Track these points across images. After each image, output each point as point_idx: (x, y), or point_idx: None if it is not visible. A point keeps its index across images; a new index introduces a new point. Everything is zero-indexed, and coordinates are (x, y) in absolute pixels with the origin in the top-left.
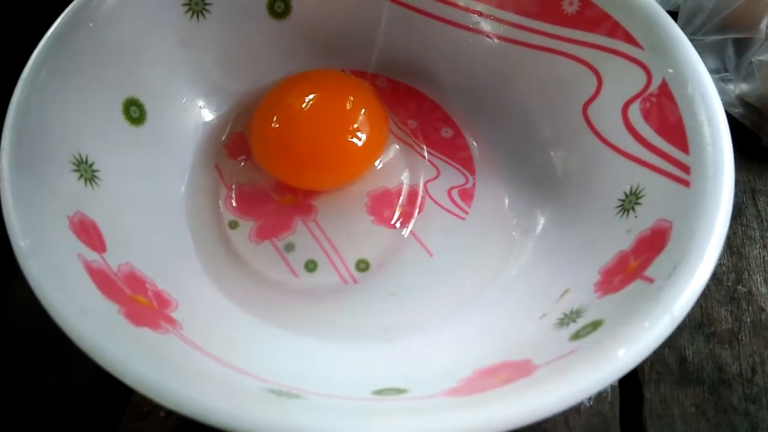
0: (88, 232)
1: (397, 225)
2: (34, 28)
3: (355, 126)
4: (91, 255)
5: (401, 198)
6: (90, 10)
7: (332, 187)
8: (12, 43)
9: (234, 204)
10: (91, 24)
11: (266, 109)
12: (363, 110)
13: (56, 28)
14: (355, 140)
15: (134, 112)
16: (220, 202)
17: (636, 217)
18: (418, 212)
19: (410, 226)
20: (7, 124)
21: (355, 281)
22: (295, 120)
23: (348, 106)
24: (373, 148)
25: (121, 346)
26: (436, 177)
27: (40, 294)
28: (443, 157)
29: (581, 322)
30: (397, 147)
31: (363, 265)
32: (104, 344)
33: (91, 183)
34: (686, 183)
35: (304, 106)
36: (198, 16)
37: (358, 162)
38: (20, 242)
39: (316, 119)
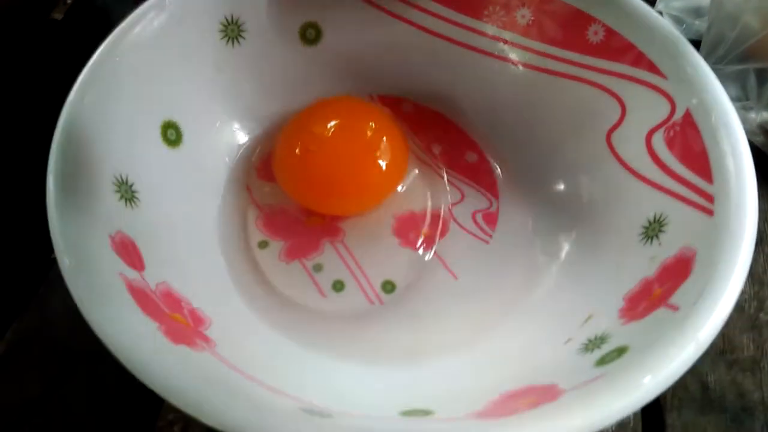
0: (128, 251)
1: (423, 247)
2: (79, 55)
3: (375, 153)
4: (132, 274)
5: (426, 221)
6: (132, 36)
7: (353, 212)
8: (58, 69)
9: (264, 224)
10: (132, 50)
11: (287, 138)
12: (383, 137)
13: (100, 53)
14: (374, 167)
15: (171, 134)
16: (251, 222)
17: (660, 244)
18: (443, 235)
19: (435, 248)
20: (54, 146)
21: (381, 302)
22: (314, 149)
23: (366, 134)
24: (393, 175)
25: (164, 364)
26: (460, 200)
27: (84, 311)
28: (468, 181)
29: (606, 348)
30: (420, 172)
31: (389, 287)
32: (149, 362)
33: (130, 203)
34: (710, 212)
35: (323, 134)
36: (233, 42)
37: (378, 189)
38: (65, 260)
39: (335, 147)
